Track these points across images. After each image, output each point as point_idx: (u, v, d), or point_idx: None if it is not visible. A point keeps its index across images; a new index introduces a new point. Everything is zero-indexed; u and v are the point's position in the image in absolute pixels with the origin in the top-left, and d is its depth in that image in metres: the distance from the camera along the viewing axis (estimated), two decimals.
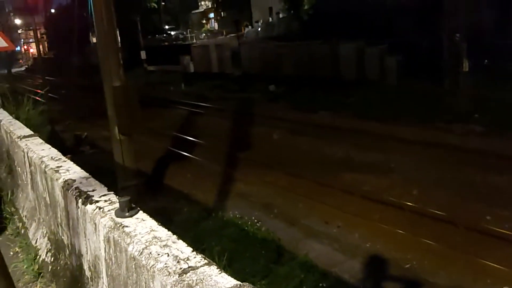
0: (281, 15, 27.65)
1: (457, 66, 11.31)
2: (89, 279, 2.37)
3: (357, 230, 6.00)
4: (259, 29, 29.07)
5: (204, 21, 40.59)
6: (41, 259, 3.37)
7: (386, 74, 14.89)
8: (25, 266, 3.53)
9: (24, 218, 4.17)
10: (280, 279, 4.86)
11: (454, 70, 11.39)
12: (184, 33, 38.04)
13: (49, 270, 3.13)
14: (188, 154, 10.02)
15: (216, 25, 38.82)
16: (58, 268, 2.95)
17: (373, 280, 5.05)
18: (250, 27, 31.36)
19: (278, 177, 8.18)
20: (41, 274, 3.31)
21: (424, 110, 10.94)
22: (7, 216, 4.58)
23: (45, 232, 3.43)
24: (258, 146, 10.24)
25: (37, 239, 3.61)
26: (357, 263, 5.29)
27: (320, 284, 4.74)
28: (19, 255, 3.83)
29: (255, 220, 6.43)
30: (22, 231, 4.10)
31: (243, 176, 8.38)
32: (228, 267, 4.49)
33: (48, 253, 3.23)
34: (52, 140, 10.86)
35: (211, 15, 40.60)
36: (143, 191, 6.86)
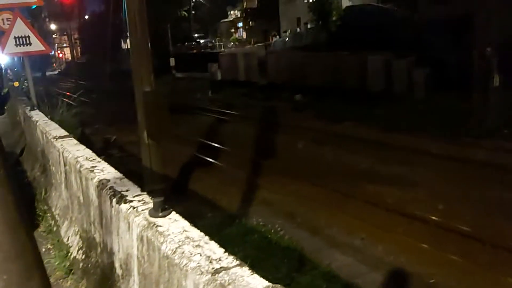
0: (309, 26, 27.72)
1: (487, 81, 11.10)
2: (120, 277, 2.45)
3: (380, 243, 5.94)
4: (287, 39, 29.17)
5: (232, 30, 40.98)
6: (72, 256, 3.48)
7: (414, 87, 14.71)
8: (56, 263, 3.64)
9: (56, 216, 4.31)
10: None
11: (484, 85, 11.17)
12: (213, 41, 38.47)
13: (80, 267, 3.23)
14: (213, 161, 10.11)
15: (244, 34, 39.15)
16: (89, 265, 3.04)
17: None
18: (278, 37, 31.50)
19: (302, 186, 8.18)
20: (72, 271, 3.41)
21: (452, 124, 10.78)
22: (40, 214, 4.73)
23: (77, 230, 3.54)
24: (282, 154, 10.26)
25: (68, 236, 3.73)
26: (380, 276, 5.25)
27: None
28: (51, 251, 3.96)
29: (278, 228, 6.43)
30: (54, 229, 4.23)
31: (267, 184, 8.40)
32: None
33: (80, 250, 3.34)
34: (82, 142, 11.14)
35: (240, 24, 40.98)
36: (169, 195, 6.96)
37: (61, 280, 3.43)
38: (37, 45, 7.81)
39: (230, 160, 10.00)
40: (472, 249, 5.58)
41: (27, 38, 7.59)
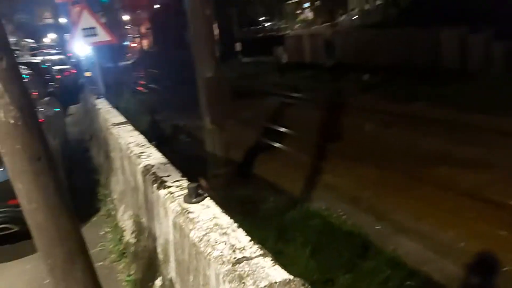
0: (377, 2, 26.60)
1: None
2: (162, 262, 2.45)
3: (451, 228, 5.58)
4: (354, 17, 28.22)
5: (298, 11, 40.29)
6: (125, 240, 3.57)
7: (492, 63, 13.65)
8: (111, 246, 3.77)
9: (115, 200, 4.45)
10: (365, 274, 4.67)
11: None
12: (278, 23, 38.15)
13: (132, 251, 3.30)
14: (277, 144, 10.04)
15: (310, 15, 38.36)
16: (139, 249, 3.09)
17: (466, 282, 4.67)
18: (345, 15, 30.56)
19: (368, 170, 7.88)
20: (125, 254, 3.50)
21: None
22: (101, 198, 4.92)
23: (130, 214, 3.62)
24: (348, 137, 9.96)
25: (124, 220, 3.83)
26: (449, 263, 4.92)
27: (408, 282, 4.48)
28: (108, 235, 4.10)
29: (341, 213, 6.24)
30: (113, 213, 4.38)
31: (332, 167, 8.20)
32: (311, 259, 4.42)
33: (132, 234, 3.41)
34: (152, 128, 11.53)
35: (306, 4, 40.18)
36: (232, 179, 7.00)
37: (115, 263, 3.53)
38: (103, 36, 8.12)
39: (294, 143, 9.87)
40: None
41: (93, 29, 7.92)
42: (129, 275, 3.10)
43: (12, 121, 2.03)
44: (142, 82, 22.56)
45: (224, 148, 6.62)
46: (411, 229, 5.79)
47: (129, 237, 3.47)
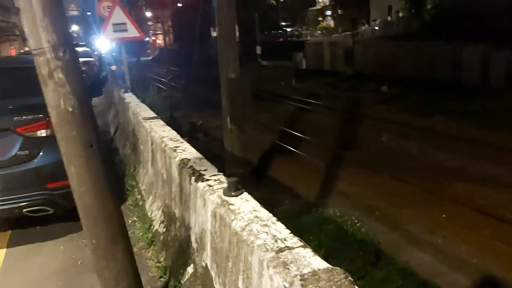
0: (400, 14, 26.60)
1: None
2: (195, 250, 2.59)
3: (464, 244, 5.64)
4: (376, 27, 28.23)
5: (320, 19, 40.37)
6: (154, 229, 3.72)
7: None
8: (140, 234, 3.93)
9: (142, 191, 4.61)
10: (376, 282, 4.76)
11: None
12: (300, 29, 38.25)
13: (161, 239, 3.45)
14: (293, 149, 10.14)
15: (332, 23, 38.42)
16: (169, 238, 3.24)
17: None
18: (367, 25, 30.57)
19: (384, 181, 7.95)
20: (154, 242, 3.66)
21: None
22: (129, 188, 5.09)
23: (159, 205, 3.78)
24: (365, 147, 10.03)
25: (152, 211, 3.98)
26: (461, 278, 4.99)
27: None
28: (136, 223, 4.26)
29: (355, 221, 6.32)
30: (140, 203, 4.54)
31: (347, 175, 8.28)
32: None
33: (161, 224, 3.56)
34: (171, 124, 11.68)
35: (328, 12, 40.23)
36: (248, 180, 7.11)
37: (144, 250, 3.69)
38: (132, 32, 8.34)
39: (310, 149, 9.96)
40: None
41: (124, 25, 8.14)
42: (159, 262, 3.26)
43: (70, 109, 2.18)
44: (162, 79, 22.86)
45: (241, 148, 6.74)
46: (424, 241, 5.85)
47: (158, 226, 3.63)
